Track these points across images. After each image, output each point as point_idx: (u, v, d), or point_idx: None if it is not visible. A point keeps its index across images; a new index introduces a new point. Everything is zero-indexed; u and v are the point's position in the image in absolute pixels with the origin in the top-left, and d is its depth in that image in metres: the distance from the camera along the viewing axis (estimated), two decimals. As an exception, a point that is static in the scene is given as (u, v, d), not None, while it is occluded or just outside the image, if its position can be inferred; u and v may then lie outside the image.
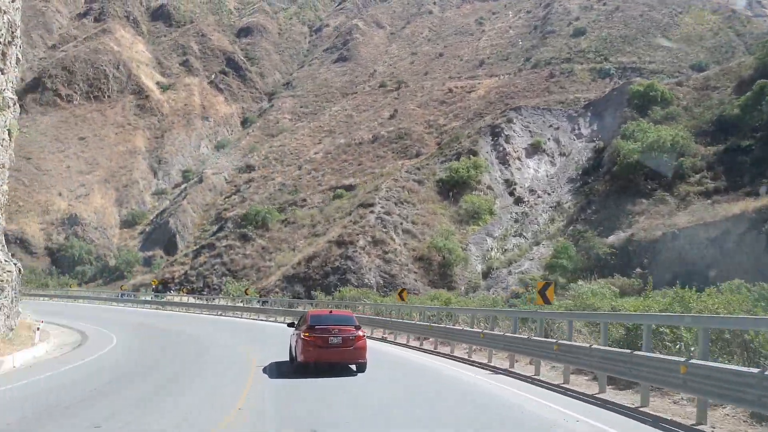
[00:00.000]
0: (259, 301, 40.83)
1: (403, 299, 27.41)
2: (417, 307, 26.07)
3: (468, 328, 19.39)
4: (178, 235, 79.52)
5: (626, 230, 38.20)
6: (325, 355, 13.45)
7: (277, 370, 14.27)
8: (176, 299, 48.60)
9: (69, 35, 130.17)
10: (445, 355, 19.04)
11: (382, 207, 47.78)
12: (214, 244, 59.87)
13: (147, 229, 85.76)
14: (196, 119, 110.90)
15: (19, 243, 79.73)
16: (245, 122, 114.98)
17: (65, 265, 77.15)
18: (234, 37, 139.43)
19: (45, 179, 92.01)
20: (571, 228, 43.78)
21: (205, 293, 50.73)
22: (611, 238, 38.03)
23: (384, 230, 44.72)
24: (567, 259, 37.71)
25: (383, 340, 24.89)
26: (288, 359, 15.16)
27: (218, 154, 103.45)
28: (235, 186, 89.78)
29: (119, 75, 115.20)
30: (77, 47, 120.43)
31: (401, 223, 46.32)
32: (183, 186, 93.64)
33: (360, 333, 13.82)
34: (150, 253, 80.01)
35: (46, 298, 60.43)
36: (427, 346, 21.90)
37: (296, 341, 14.20)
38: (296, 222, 58.36)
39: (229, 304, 43.45)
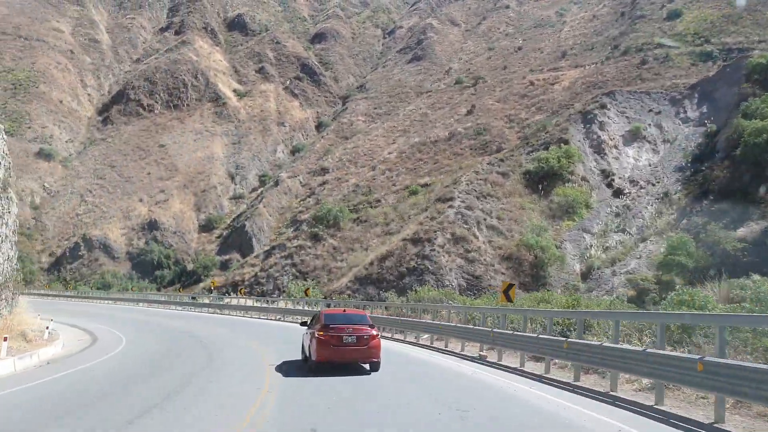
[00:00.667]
0: (326, 304, 36.76)
1: (510, 300, 19.67)
2: (538, 311, 18.40)
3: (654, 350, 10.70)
4: (254, 239, 78.40)
5: (759, 221, 31.98)
6: (339, 354, 13.38)
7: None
8: (233, 302, 46.07)
9: (152, 48, 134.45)
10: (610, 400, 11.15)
11: (463, 201, 43.49)
12: (285, 244, 57.58)
13: (224, 233, 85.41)
14: (272, 125, 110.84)
15: (102, 248, 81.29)
16: (320, 126, 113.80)
17: (145, 270, 77.69)
18: (308, 43, 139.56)
19: (127, 186, 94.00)
20: (685, 221, 37.73)
21: (274, 296, 48.05)
22: (742, 231, 31.99)
23: (465, 226, 40.41)
24: (686, 257, 32.03)
25: (480, 359, 17.37)
26: (300, 358, 15.18)
27: (293, 158, 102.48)
28: (310, 189, 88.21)
29: (198, 84, 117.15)
30: (158, 59, 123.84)
31: (485, 219, 41.83)
32: (259, 190, 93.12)
33: (374, 332, 13.69)
34: (227, 257, 79.38)
35: (105, 301, 60.04)
36: (556, 372, 14.62)
37: (310, 340, 14.02)
38: (369, 220, 55.05)
39: (289, 306, 38.57)
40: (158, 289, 74.15)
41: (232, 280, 58.88)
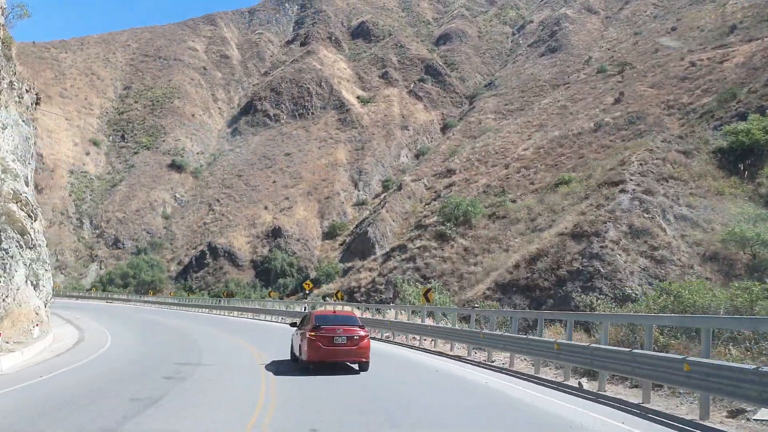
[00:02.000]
0: (464, 319, 25.02)
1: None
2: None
3: None
4: (376, 245, 72.85)
5: None
6: (330, 354, 13.40)
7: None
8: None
9: (278, 61, 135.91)
10: None
11: (638, 185, 33.91)
12: (406, 245, 50.69)
13: (347, 240, 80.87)
14: (396, 129, 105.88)
15: (226, 256, 79.80)
16: (446, 128, 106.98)
17: (268, 278, 74.77)
18: (432, 46, 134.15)
19: (253, 194, 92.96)
20: None
21: (396, 304, 40.69)
22: None
23: (646, 215, 30.92)
24: None
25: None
26: (289, 358, 15.16)
27: (418, 162, 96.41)
28: (435, 192, 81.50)
29: (322, 92, 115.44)
30: (284, 70, 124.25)
31: (671, 207, 32.02)
32: (382, 195, 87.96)
33: (363, 333, 13.70)
34: (349, 264, 74.57)
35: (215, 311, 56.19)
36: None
37: (301, 341, 14.04)
38: (507, 216, 46.59)
39: (401, 319, 26.05)
40: (281, 298, 70.60)
41: (348, 286, 53.05)
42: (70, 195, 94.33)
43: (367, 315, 30.51)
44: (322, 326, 13.58)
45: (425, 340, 22.38)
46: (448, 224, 49.13)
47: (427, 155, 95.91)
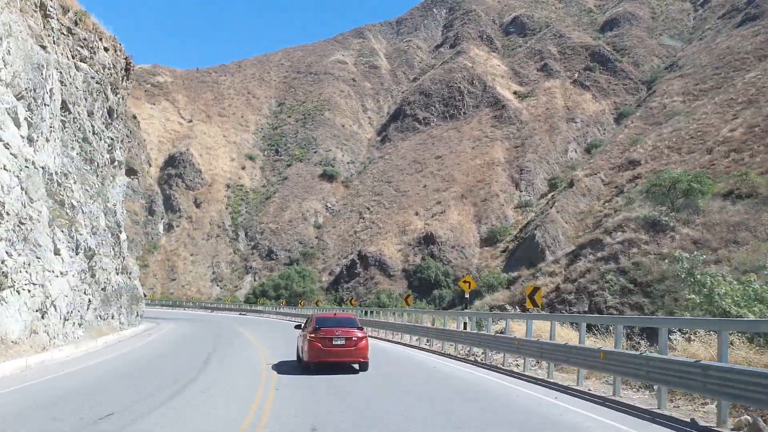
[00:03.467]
0: None
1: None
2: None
3: None
4: (547, 250, 62.03)
5: None
6: (329, 355, 13.72)
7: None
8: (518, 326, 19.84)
9: (427, 66, 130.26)
10: None
11: None
12: (601, 240, 39.63)
13: (510, 246, 70.86)
14: (561, 122, 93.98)
15: (377, 265, 73.75)
16: (621, 117, 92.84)
17: (422, 289, 67.13)
18: (596, 33, 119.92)
19: (403, 200, 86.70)
20: None
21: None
22: None
23: None
24: None
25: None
26: (295, 359, 15.66)
27: (590, 156, 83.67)
28: (616, 187, 68.76)
29: (474, 90, 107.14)
30: (434, 72, 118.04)
31: None
32: (550, 195, 76.74)
33: (361, 334, 14.02)
34: (514, 273, 64.53)
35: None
36: None
37: (302, 342, 14.69)
38: (756, 194, 33.87)
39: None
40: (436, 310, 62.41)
41: (520, 297, 43.20)
42: (226, 208, 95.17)
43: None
44: (321, 328, 13.94)
45: None
46: (664, 208, 37.37)
47: (600, 147, 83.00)
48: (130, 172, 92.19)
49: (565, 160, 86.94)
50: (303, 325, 15.61)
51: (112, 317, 24.46)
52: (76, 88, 22.72)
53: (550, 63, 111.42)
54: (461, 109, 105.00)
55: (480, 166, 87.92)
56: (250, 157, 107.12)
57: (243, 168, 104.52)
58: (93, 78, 24.67)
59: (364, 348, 13.80)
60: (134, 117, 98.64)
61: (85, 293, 20.75)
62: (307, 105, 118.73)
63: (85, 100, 23.70)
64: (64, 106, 21.39)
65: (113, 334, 22.66)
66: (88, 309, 21.15)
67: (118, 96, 28.37)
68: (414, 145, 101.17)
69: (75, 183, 21.17)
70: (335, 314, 16.57)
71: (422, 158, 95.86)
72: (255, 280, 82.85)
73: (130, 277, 28.53)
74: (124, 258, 27.11)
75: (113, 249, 25.13)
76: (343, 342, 13.65)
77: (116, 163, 27.66)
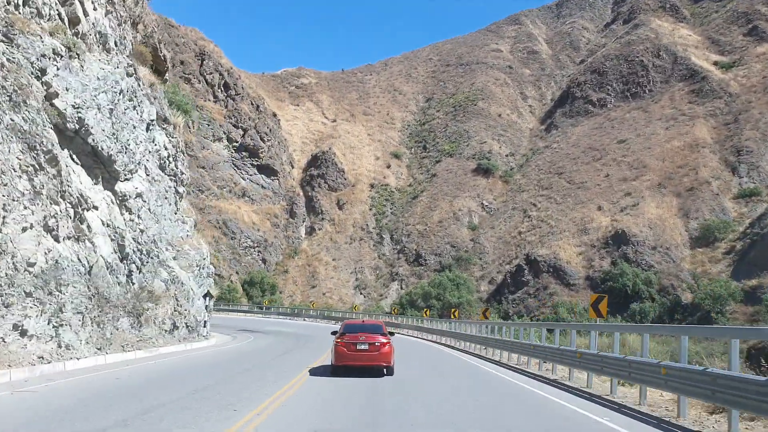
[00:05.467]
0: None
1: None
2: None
3: None
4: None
5: None
6: (353, 359, 14.10)
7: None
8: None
9: (597, 46, 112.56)
10: None
11: None
12: None
13: (738, 246, 52.63)
14: (786, 91, 72.41)
15: (551, 271, 59.08)
16: None
17: (615, 301, 51.11)
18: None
19: (580, 193, 71.01)
20: None
21: None
22: None
23: None
24: None
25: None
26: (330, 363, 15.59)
27: None
28: None
29: (662, 63, 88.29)
30: (607, 49, 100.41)
31: None
32: (788, 178, 56.98)
33: (385, 340, 14.31)
34: (752, 281, 46.71)
35: None
36: None
37: (332, 347, 14.90)
38: None
39: None
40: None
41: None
42: (370, 209, 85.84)
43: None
44: (347, 333, 14.38)
45: None
46: None
47: None
48: (271, 172, 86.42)
49: (803, 134, 65.83)
50: (338, 331, 15.61)
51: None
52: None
53: (761, 25, 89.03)
54: (645, 86, 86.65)
55: (679, 149, 69.63)
56: (396, 155, 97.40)
57: (388, 166, 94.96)
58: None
59: (388, 353, 14.15)
60: (274, 115, 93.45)
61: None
62: (458, 96, 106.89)
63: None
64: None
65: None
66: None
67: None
68: (588, 130, 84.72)
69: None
70: (363, 321, 16.98)
71: (600, 144, 79.26)
72: (402, 287, 71.84)
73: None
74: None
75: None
76: (366, 347, 14.00)
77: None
